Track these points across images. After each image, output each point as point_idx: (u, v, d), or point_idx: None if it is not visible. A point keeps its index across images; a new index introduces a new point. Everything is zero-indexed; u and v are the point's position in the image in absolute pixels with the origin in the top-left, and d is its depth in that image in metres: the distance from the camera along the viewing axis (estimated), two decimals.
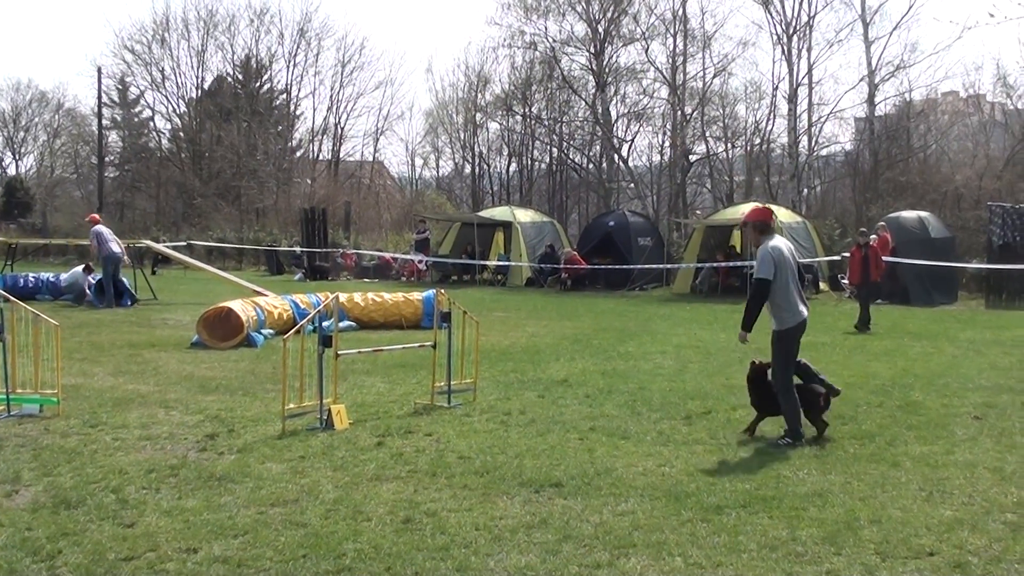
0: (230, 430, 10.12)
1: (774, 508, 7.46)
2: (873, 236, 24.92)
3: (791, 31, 44.70)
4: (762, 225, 9.98)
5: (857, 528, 7.02)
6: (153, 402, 11.65)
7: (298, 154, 62.42)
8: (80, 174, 71.96)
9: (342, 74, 60.38)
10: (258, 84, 61.97)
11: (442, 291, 12.53)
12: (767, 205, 10.56)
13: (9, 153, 77.08)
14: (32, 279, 26.42)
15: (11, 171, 75.26)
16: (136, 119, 67.02)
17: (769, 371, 9.96)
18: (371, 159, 62.88)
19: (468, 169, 58.52)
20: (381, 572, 6.19)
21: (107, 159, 63.18)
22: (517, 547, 6.61)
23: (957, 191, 37.66)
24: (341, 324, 16.86)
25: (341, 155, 61.47)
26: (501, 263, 35.54)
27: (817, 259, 30.16)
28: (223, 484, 8.04)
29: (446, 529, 6.95)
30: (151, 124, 66.23)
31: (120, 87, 65.14)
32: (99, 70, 57.49)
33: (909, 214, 29.79)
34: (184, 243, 42.36)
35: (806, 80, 45.18)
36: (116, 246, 24.56)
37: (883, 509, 7.47)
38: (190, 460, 8.85)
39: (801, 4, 44.41)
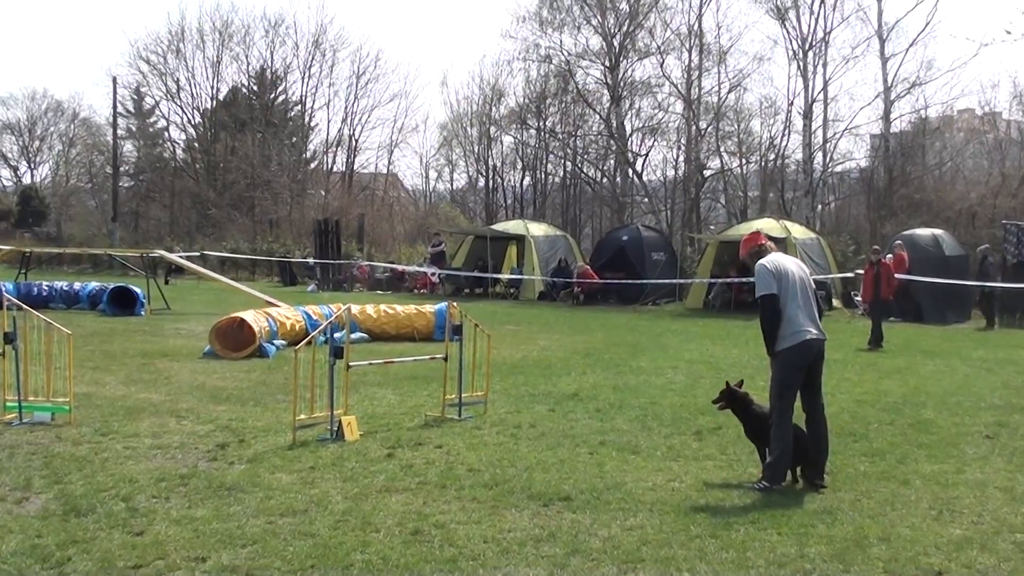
0: (241, 440, 10.14)
1: (783, 524, 7.44)
2: (889, 255, 24.87)
3: (807, 47, 44.68)
4: (754, 252, 9.04)
5: (866, 546, 7.01)
6: (164, 411, 11.68)
7: (312, 165, 62.57)
8: (95, 183, 72.27)
9: (357, 86, 60.58)
10: (273, 95, 62.19)
11: (454, 304, 12.55)
12: (754, 230, 9.74)
13: (24, 162, 77.65)
14: (46, 287, 26.55)
15: (26, 180, 75.79)
16: (151, 129, 67.40)
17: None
18: (385, 171, 63.06)
19: (482, 182, 58.62)
20: None
21: (122, 169, 63.45)
22: (525, 560, 6.61)
23: (972, 209, 37.57)
24: (353, 336, 16.87)
25: (355, 167, 61.65)
26: (514, 276, 35.55)
27: (831, 276, 30.11)
28: (233, 494, 8.05)
29: (454, 541, 6.95)
30: (166, 134, 66.73)
31: (135, 97, 65.54)
32: (114, 80, 57.72)
33: (923, 232, 29.74)
34: (198, 253, 42.52)
35: (821, 96, 45.19)
36: None
37: (892, 527, 7.45)
38: (200, 469, 8.87)
39: (817, 20, 44.48)
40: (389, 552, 6.70)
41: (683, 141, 49.52)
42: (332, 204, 53.66)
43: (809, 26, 44.73)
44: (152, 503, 7.77)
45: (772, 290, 8.66)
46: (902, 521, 7.63)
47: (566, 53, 50.72)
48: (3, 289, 22.69)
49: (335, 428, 10.20)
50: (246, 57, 61.83)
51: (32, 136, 76.76)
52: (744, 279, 30.22)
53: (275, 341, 17.58)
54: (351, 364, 10.97)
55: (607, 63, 49.82)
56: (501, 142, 57.78)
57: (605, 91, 50.83)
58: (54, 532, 7.00)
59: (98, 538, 6.91)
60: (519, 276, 35.04)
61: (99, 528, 7.12)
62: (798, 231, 31.55)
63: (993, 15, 66.73)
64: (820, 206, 46.27)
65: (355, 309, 18.73)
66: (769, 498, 8.19)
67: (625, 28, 49.26)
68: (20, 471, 8.67)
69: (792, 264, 8.94)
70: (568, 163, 54.68)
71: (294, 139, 61.95)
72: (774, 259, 8.85)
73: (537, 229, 36.80)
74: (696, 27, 47.86)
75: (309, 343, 10.39)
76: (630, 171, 51.40)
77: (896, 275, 22.54)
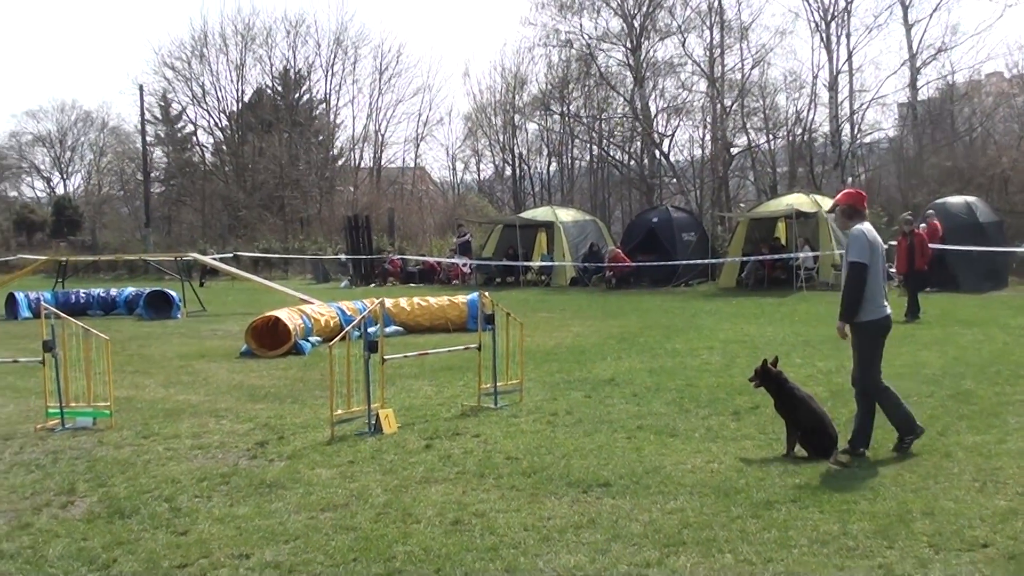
0: (280, 437, 10.20)
1: (825, 502, 7.41)
2: (923, 224, 24.67)
3: (829, 18, 44.35)
4: (850, 209, 9.21)
5: (909, 521, 6.97)
6: (204, 412, 11.77)
7: (340, 163, 62.67)
8: (127, 191, 72.86)
9: (380, 81, 60.71)
10: (297, 95, 62.28)
11: (485, 293, 12.55)
12: (859, 190, 9.92)
13: (57, 173, 78.31)
14: (83, 295, 26.76)
15: (60, 190, 76.45)
16: (179, 134, 67.64)
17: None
18: (412, 165, 63.11)
19: (508, 171, 58.57)
20: (431, 574, 6.22)
21: (152, 175, 63.62)
22: (566, 547, 6.61)
23: (1004, 174, 37.16)
24: (388, 329, 16.93)
25: (382, 162, 61.74)
26: (544, 264, 35.53)
27: None
28: (274, 490, 8.11)
29: (495, 530, 6.97)
30: (194, 139, 66.91)
31: (162, 104, 65.75)
32: (141, 88, 57.87)
33: (956, 199, 29.50)
34: (231, 254, 42.69)
35: (846, 67, 44.86)
36: None
37: (936, 501, 7.41)
38: (241, 468, 8.93)
39: None
40: (430, 543, 6.72)
41: (709, 120, 49.35)
42: (361, 200, 53.77)
43: None
44: (194, 503, 7.84)
45: (864, 259, 8.84)
46: (945, 494, 7.58)
47: (587, 37, 50.60)
48: (41, 299, 22.94)
49: (373, 422, 10.24)
50: (269, 58, 62.03)
51: (63, 147, 77.52)
52: (776, 256, 30.09)
53: (310, 338, 17.66)
54: (386, 357, 11.02)
55: (628, 45, 49.58)
56: (526, 130, 57.81)
57: (628, 73, 50.61)
58: (99, 534, 7.07)
59: (143, 539, 6.97)
60: (550, 263, 35.02)
61: (143, 529, 7.19)
62: (829, 205, 31.28)
63: None
64: (850, 178, 45.87)
65: (388, 303, 18.77)
66: (810, 476, 8.16)
67: (645, 9, 48.99)
68: (64, 476, 8.76)
69: (878, 239, 9.09)
70: (594, 147, 54.56)
71: (320, 137, 61.99)
72: (871, 229, 9.02)
73: (566, 215, 36.75)
74: (716, 4, 47.59)
75: (344, 338, 10.42)
76: (657, 152, 51.18)
77: (930, 245, 22.37)
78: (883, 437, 9.35)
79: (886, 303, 9.09)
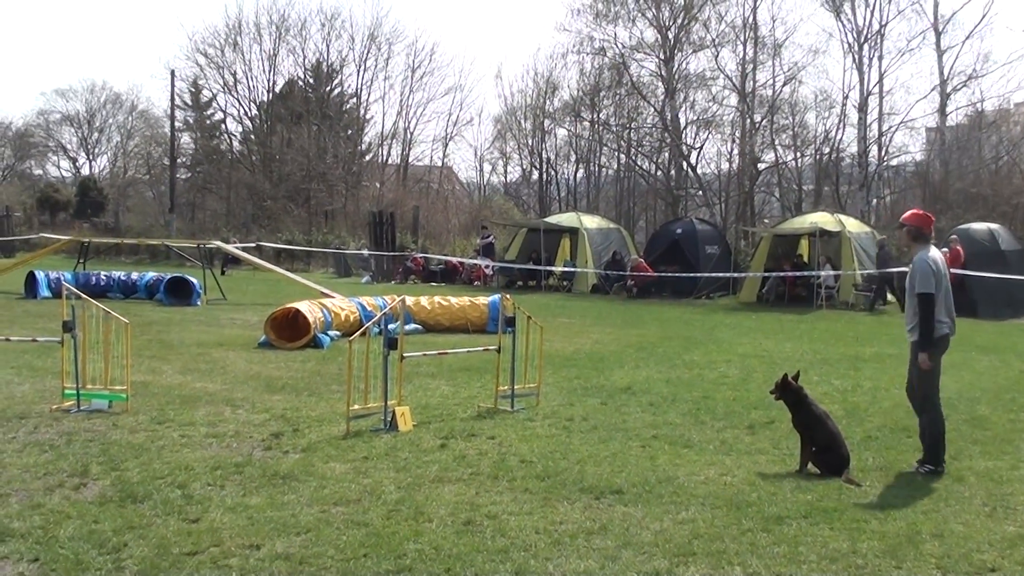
0: (295, 429, 10.24)
1: (835, 520, 7.41)
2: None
3: (862, 39, 44.30)
4: (916, 231, 9.23)
5: (919, 542, 6.96)
6: (220, 400, 11.82)
7: (367, 158, 62.75)
8: (152, 175, 73.17)
9: (412, 79, 60.88)
10: (328, 88, 62.38)
11: (507, 296, 12.57)
12: (927, 212, 9.89)
13: (83, 153, 78.76)
14: (104, 277, 26.88)
15: (85, 171, 76.86)
16: (208, 121, 67.88)
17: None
18: (440, 164, 63.21)
19: (536, 175, 58.61)
20: (441, 573, 6.25)
21: (179, 160, 63.85)
22: (576, 552, 6.63)
23: None
24: (407, 327, 16.95)
25: (410, 159, 61.86)
26: (567, 269, 35.50)
27: (886, 270, 29.80)
28: (287, 482, 8.15)
29: (506, 532, 6.99)
30: (223, 127, 67.14)
31: (193, 90, 66.01)
32: (172, 73, 58.11)
33: (979, 226, 29.38)
34: (254, 244, 42.75)
35: (877, 89, 44.78)
36: None
37: (945, 523, 7.40)
38: (255, 458, 8.97)
39: (873, 12, 44.14)
40: (441, 542, 6.75)
41: (737, 134, 49.27)
42: (387, 196, 53.84)
43: (864, 19, 44.48)
44: (207, 491, 7.88)
45: (930, 289, 8.97)
46: (955, 518, 7.58)
47: (620, 46, 50.55)
48: (61, 279, 23.08)
49: (389, 418, 10.27)
50: (302, 50, 62.18)
51: (91, 128, 77.95)
52: (798, 273, 30.00)
53: (329, 332, 17.71)
54: (405, 355, 11.05)
55: (661, 56, 49.53)
56: (555, 135, 57.84)
57: (659, 84, 50.57)
58: (111, 518, 7.12)
59: (154, 524, 7.02)
60: (572, 269, 35.00)
61: (155, 515, 7.23)
62: (853, 225, 31.28)
63: None
64: (875, 200, 45.83)
65: (409, 301, 18.80)
66: (822, 493, 8.15)
67: (680, 21, 48.95)
68: (78, 458, 8.82)
69: (941, 260, 9.22)
70: (622, 156, 54.54)
71: (349, 131, 62.12)
72: (935, 257, 9.13)
73: (590, 222, 36.70)
74: (751, 20, 47.65)
75: (363, 334, 10.46)
76: (684, 164, 51.11)
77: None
78: (895, 459, 9.35)
79: (947, 322, 9.16)
